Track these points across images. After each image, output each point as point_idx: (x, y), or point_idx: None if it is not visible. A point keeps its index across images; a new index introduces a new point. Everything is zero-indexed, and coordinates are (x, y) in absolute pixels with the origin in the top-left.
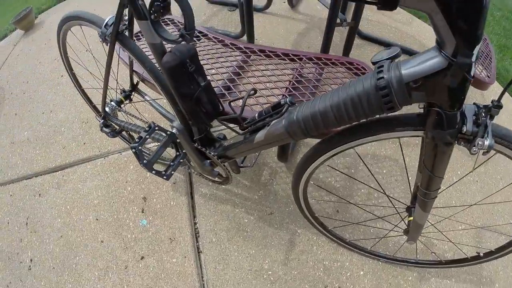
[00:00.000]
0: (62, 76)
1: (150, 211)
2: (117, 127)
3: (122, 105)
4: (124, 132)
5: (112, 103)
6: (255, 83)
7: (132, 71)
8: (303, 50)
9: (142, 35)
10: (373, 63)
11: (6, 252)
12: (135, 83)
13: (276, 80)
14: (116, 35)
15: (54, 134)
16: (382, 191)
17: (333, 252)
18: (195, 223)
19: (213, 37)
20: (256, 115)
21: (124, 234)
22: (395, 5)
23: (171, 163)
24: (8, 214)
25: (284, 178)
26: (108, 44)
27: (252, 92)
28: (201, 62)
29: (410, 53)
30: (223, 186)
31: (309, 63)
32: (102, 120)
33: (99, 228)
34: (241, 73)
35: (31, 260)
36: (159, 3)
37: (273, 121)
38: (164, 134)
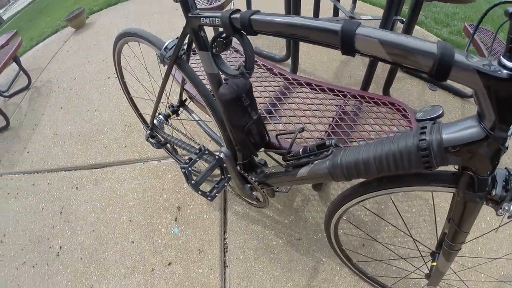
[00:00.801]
0: (108, 78)
1: (183, 220)
2: (162, 140)
3: (169, 119)
4: (168, 144)
5: (160, 116)
6: (301, 116)
7: (182, 89)
8: (347, 87)
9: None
10: (417, 121)
11: (37, 236)
12: (183, 100)
13: (320, 116)
14: (175, 59)
15: (96, 132)
16: (408, 233)
17: (354, 284)
18: (224, 238)
19: (262, 64)
20: (301, 150)
21: (155, 238)
22: (445, 79)
23: (216, 185)
24: (44, 200)
25: (315, 206)
26: (166, 66)
27: (301, 130)
28: None
29: (448, 88)
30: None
31: (352, 100)
32: (149, 131)
33: (131, 229)
34: (283, 99)
35: (60, 248)
36: (221, 39)
37: (317, 161)
38: (212, 158)
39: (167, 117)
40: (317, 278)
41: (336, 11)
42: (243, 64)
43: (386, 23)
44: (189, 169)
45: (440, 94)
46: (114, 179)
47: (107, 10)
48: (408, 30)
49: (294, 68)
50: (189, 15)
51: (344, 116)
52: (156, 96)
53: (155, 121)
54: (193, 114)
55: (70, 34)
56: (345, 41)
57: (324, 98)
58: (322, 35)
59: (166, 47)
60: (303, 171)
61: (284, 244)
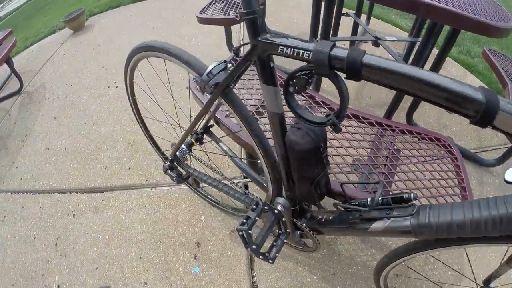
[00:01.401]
0: (108, 87)
1: (204, 258)
2: (184, 173)
3: (191, 149)
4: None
5: (183, 146)
6: (355, 155)
7: (212, 117)
8: (393, 120)
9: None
10: (507, 182)
11: (29, 270)
12: (209, 126)
13: (374, 154)
14: (224, 90)
15: (95, 150)
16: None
17: None
18: (252, 276)
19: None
20: (369, 200)
21: (173, 279)
22: (488, 125)
23: (274, 243)
24: (36, 228)
25: (348, 238)
26: (205, 93)
27: (376, 182)
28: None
29: None
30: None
31: (401, 135)
32: (169, 163)
33: (143, 268)
34: (333, 134)
35: (58, 287)
36: (304, 75)
37: (397, 217)
38: (271, 213)
39: (190, 146)
40: None
41: (355, 29)
42: (331, 111)
43: (422, 55)
44: (250, 232)
45: (456, 116)
46: (117, 207)
47: (108, 12)
48: (440, 60)
49: (317, 87)
50: (259, 39)
51: (397, 155)
52: (185, 126)
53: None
54: (220, 144)
55: (67, 36)
56: (487, 114)
57: (374, 134)
58: (457, 100)
59: (210, 72)
60: (378, 225)
61: (319, 280)
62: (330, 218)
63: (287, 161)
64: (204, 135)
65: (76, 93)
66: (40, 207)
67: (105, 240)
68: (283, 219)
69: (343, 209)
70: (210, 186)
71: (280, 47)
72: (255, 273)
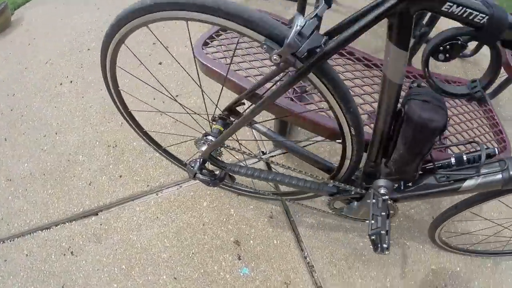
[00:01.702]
0: (61, 84)
1: (249, 256)
2: (220, 173)
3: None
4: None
5: (210, 137)
6: None
7: (246, 95)
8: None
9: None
10: None
11: None
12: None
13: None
14: (322, 59)
15: (68, 165)
16: None
17: (436, 256)
18: (305, 257)
19: (363, 57)
20: (453, 160)
21: None
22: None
23: (382, 232)
24: (31, 281)
25: None
26: (291, 67)
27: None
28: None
29: None
30: (323, 211)
31: None
32: (199, 164)
33: None
34: None
35: None
36: (462, 43)
37: (487, 173)
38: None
39: (218, 134)
40: (408, 263)
41: None
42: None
43: None
44: (384, 232)
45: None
46: (123, 228)
47: (34, 1)
48: None
49: None
50: None
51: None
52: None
53: (203, 148)
54: (258, 126)
55: None
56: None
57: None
58: None
59: (300, 34)
60: (469, 184)
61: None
62: (420, 185)
63: (388, 137)
64: (231, 117)
65: (23, 101)
66: (27, 255)
67: (123, 271)
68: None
69: (442, 176)
70: (259, 180)
71: (449, 3)
72: (306, 254)
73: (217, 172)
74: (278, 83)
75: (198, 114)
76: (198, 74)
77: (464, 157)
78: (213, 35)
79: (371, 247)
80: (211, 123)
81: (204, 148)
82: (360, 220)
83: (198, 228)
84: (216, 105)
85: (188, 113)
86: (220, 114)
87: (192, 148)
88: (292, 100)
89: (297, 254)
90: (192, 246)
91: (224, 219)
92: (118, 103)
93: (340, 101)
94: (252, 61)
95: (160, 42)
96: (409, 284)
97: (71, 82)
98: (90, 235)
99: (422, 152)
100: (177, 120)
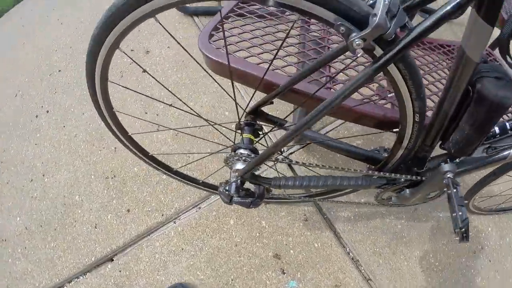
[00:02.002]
0: (37, 116)
1: (292, 267)
2: (257, 188)
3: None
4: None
5: (243, 151)
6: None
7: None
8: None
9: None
10: None
11: None
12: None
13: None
14: (413, 42)
15: (66, 209)
16: None
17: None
18: (348, 254)
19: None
20: (497, 129)
21: None
22: None
23: (461, 228)
24: None
25: None
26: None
27: None
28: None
29: None
30: (357, 202)
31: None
32: (236, 183)
33: None
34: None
35: None
36: None
37: None
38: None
39: (251, 144)
40: (445, 234)
41: None
42: None
43: None
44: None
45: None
46: (147, 269)
47: None
48: None
49: None
50: None
51: None
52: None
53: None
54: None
55: None
56: None
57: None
58: None
59: (389, 11)
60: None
61: (407, 221)
62: (471, 161)
63: (452, 119)
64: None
65: None
66: None
67: None
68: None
69: (489, 146)
70: (309, 188)
71: None
72: (349, 249)
73: (253, 189)
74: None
75: (220, 125)
76: (210, 73)
77: (507, 125)
78: (218, 25)
79: (458, 238)
80: (236, 132)
81: (239, 166)
82: (401, 205)
83: (231, 250)
84: (244, 110)
85: (210, 124)
86: (247, 120)
87: (204, 162)
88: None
89: (341, 252)
90: (229, 272)
91: (257, 234)
92: (115, 128)
93: (414, 87)
94: (273, 50)
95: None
96: (450, 255)
97: (47, 112)
98: (111, 285)
99: (489, 131)
100: (188, 134)
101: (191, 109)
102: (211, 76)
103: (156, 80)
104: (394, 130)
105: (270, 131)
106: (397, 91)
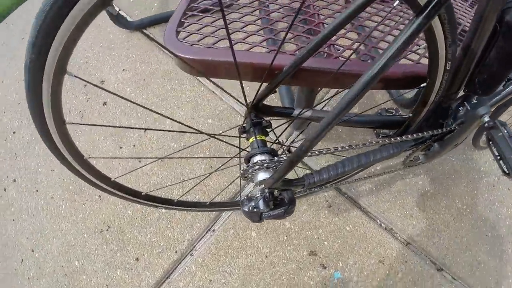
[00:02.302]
0: (5, 190)
1: (331, 259)
2: (285, 194)
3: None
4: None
5: (259, 157)
6: None
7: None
8: None
9: None
10: None
11: None
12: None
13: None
14: None
15: (69, 280)
16: None
17: (479, 158)
18: (381, 226)
19: None
20: None
21: None
22: None
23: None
24: None
25: None
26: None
27: None
28: None
29: None
30: (375, 173)
31: None
32: (264, 201)
33: None
34: None
35: None
36: None
37: None
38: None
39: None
40: (461, 176)
41: None
42: None
43: None
44: None
45: None
46: None
47: None
48: None
49: None
50: None
51: None
52: None
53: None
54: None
55: None
56: None
57: None
58: None
59: None
60: None
61: (425, 175)
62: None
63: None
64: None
65: None
66: None
67: None
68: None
69: None
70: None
71: None
72: (380, 221)
73: (280, 195)
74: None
75: (220, 135)
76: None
77: None
78: (183, 20)
79: None
80: (240, 138)
81: (263, 175)
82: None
83: (263, 263)
84: (248, 107)
85: (210, 136)
86: (253, 119)
87: (204, 181)
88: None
89: (373, 226)
90: (268, 287)
91: (285, 238)
92: (93, 178)
93: (450, 31)
94: (259, 31)
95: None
96: (473, 195)
97: (14, 181)
98: None
99: None
100: (183, 158)
101: (182, 123)
102: (202, 81)
103: (132, 101)
104: (422, 85)
105: (288, 123)
106: (431, 39)
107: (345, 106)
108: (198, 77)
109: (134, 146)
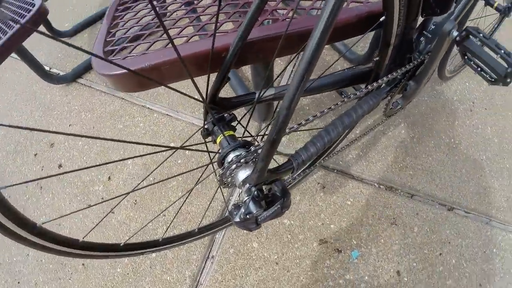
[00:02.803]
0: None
1: (344, 239)
2: (276, 185)
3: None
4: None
5: (233, 154)
6: None
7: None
8: None
9: None
10: None
11: None
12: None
13: None
14: None
15: None
16: None
17: (449, 88)
18: (380, 187)
19: None
20: None
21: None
22: None
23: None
24: None
25: None
26: None
27: None
28: None
29: None
30: (355, 138)
31: None
32: (253, 199)
33: None
34: None
35: None
36: None
37: None
38: None
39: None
40: (438, 111)
41: None
42: None
43: None
44: None
45: None
46: None
47: None
48: None
49: None
50: None
51: None
52: None
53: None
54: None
55: None
56: None
57: None
58: None
59: None
60: None
61: (404, 122)
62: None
63: None
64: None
65: None
66: None
67: None
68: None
69: None
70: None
71: None
72: (378, 185)
73: (269, 191)
74: None
75: (184, 148)
76: None
77: None
78: (108, 39)
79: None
80: (206, 143)
81: (244, 174)
82: (408, 103)
83: (275, 272)
84: (205, 102)
85: (178, 149)
86: (211, 118)
87: (183, 207)
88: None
89: (373, 191)
90: (304, 280)
91: (289, 236)
92: (55, 245)
93: None
94: (193, 17)
95: None
96: (455, 125)
97: None
98: None
99: None
100: (151, 184)
101: (142, 143)
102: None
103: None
104: (380, 20)
105: (251, 109)
106: None
107: (307, 65)
108: (147, 106)
109: (102, 198)
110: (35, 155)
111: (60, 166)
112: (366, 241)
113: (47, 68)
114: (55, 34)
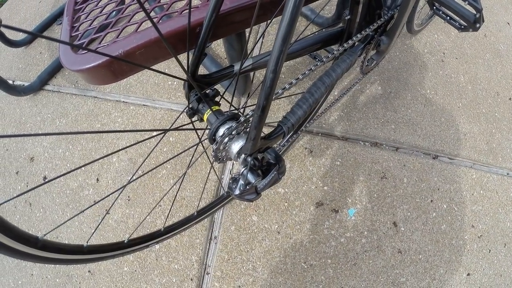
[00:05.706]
0: None
1: (339, 199)
2: (270, 152)
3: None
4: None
5: (223, 127)
6: None
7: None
8: None
9: None
10: None
11: None
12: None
13: None
14: None
15: None
16: None
17: (418, 43)
18: (364, 144)
19: None
20: None
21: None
22: None
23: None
24: None
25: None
26: None
27: None
28: None
29: None
30: (334, 100)
31: None
32: (250, 168)
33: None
34: None
35: None
36: None
37: None
38: None
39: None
40: (411, 65)
41: None
42: None
43: None
44: None
45: None
46: None
47: None
48: None
49: None
50: None
51: None
52: None
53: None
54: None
55: None
56: None
57: None
58: None
59: None
60: None
61: (380, 79)
62: None
63: None
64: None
65: None
66: None
67: None
68: None
69: None
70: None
71: None
72: (362, 141)
73: (263, 160)
74: None
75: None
76: None
77: None
78: (73, 34)
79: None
80: (193, 120)
81: (238, 144)
82: (383, 58)
83: (279, 241)
84: (188, 73)
85: (167, 131)
86: (195, 95)
87: (179, 194)
88: None
89: (359, 149)
90: (296, 260)
91: (285, 205)
92: (71, 255)
93: None
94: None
95: None
96: (429, 76)
97: None
98: None
99: None
100: (142, 175)
101: (128, 130)
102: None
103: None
104: None
105: (234, 81)
106: None
107: (289, 26)
108: (122, 100)
109: (94, 201)
110: (17, 172)
111: (45, 178)
112: (360, 198)
113: (10, 82)
114: (12, 45)
